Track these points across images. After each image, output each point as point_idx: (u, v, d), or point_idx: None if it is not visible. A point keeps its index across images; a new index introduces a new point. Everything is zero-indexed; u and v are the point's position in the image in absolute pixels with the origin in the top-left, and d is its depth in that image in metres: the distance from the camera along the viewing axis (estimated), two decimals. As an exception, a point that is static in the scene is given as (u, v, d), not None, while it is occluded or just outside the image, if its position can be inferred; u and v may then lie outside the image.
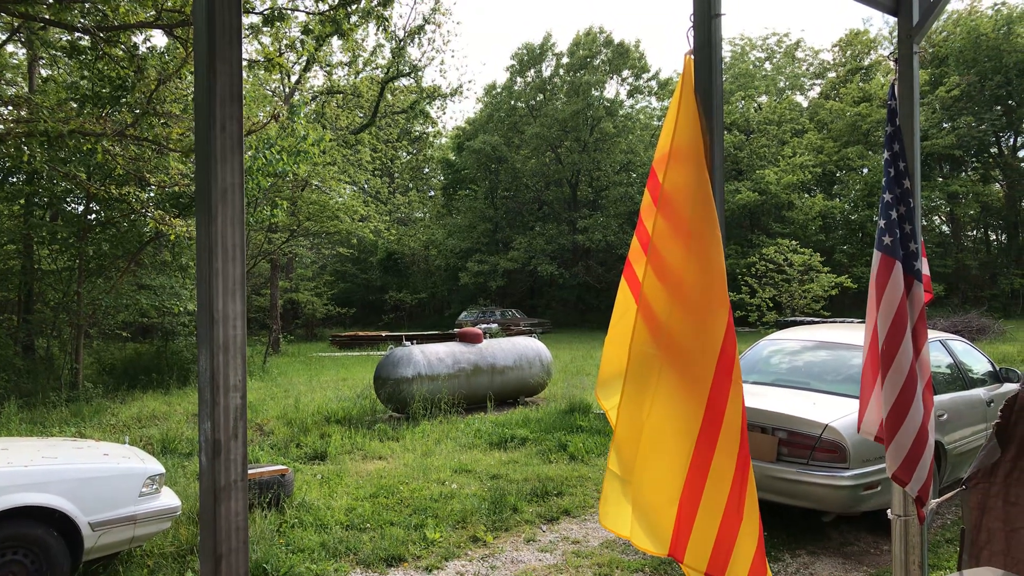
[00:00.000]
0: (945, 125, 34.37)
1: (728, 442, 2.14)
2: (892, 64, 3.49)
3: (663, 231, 2.30)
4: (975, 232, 39.42)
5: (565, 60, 42.44)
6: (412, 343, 12.63)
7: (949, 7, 35.48)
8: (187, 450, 9.49)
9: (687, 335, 2.24)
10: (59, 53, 13.41)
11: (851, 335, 7.61)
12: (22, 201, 15.95)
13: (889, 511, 3.60)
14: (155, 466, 5.53)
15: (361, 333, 31.17)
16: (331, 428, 10.71)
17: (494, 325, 31.79)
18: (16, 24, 11.38)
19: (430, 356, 12.06)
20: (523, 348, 13.51)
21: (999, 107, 34.15)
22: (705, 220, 2.21)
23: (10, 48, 16.08)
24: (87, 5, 9.59)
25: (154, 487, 5.38)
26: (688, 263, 2.23)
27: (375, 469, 8.55)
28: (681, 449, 2.22)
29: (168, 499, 5.53)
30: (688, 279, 2.23)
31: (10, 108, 11.54)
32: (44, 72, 16.02)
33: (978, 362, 7.80)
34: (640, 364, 2.34)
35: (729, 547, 2.13)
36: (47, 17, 9.58)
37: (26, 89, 15.83)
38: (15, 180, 15.68)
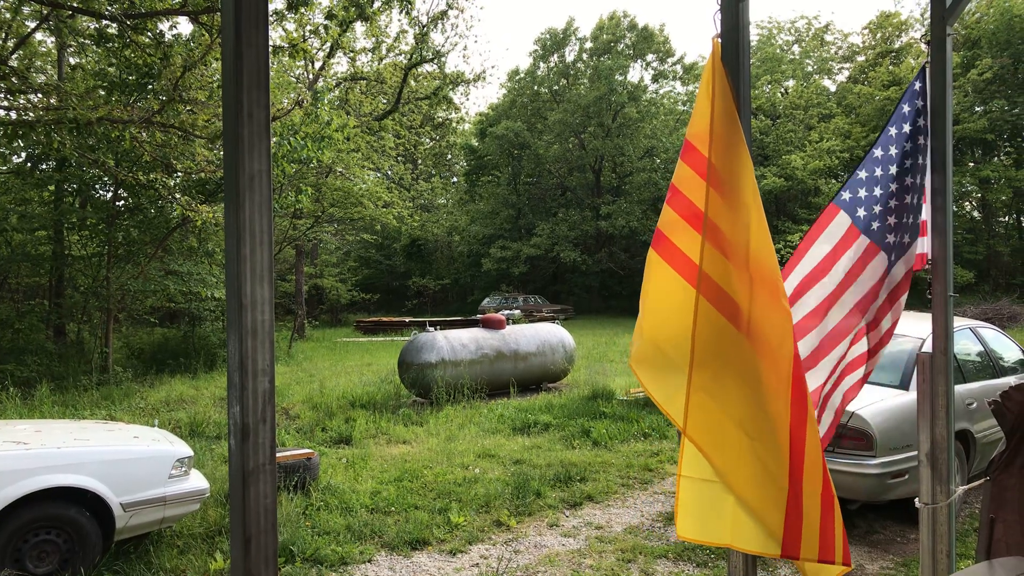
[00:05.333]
0: (977, 109, 33.65)
1: (813, 421, 2.09)
2: (924, 47, 3.42)
3: (720, 209, 2.19)
4: (1007, 218, 38.57)
5: (588, 45, 42.11)
6: (436, 329, 12.68)
7: (983, -12, 34.68)
8: (215, 433, 9.62)
9: (769, 315, 2.12)
10: (87, 41, 13.55)
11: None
12: (52, 188, 16.22)
13: (917, 499, 3.56)
14: (184, 449, 5.62)
15: (385, 319, 31.35)
16: (356, 412, 10.80)
17: (517, 311, 31.81)
18: (45, 12, 11.50)
19: (453, 342, 12.11)
20: (546, 334, 13.51)
21: (1033, 90, 33.36)
22: (753, 211, 2.17)
23: (39, 36, 16.29)
24: (114, -7, 9.68)
25: (183, 469, 5.47)
26: (750, 244, 2.16)
27: (399, 453, 8.62)
28: (779, 436, 2.10)
29: (197, 481, 5.62)
30: (754, 258, 2.15)
31: (40, 96, 11.68)
32: (72, 60, 16.21)
33: (1009, 350, 7.67)
34: (714, 350, 2.17)
35: (832, 527, 2.09)
36: (75, 5, 9.67)
37: (55, 77, 16.02)
38: (45, 167, 15.96)
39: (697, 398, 2.20)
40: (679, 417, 2.25)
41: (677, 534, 2.34)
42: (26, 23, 13.70)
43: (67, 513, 4.85)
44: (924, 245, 3.40)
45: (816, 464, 2.09)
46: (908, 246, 3.28)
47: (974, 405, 6.48)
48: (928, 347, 3.51)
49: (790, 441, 2.09)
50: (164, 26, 10.60)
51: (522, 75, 44.25)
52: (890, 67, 38.20)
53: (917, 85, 3.36)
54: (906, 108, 3.33)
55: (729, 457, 2.19)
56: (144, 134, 11.74)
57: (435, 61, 28.41)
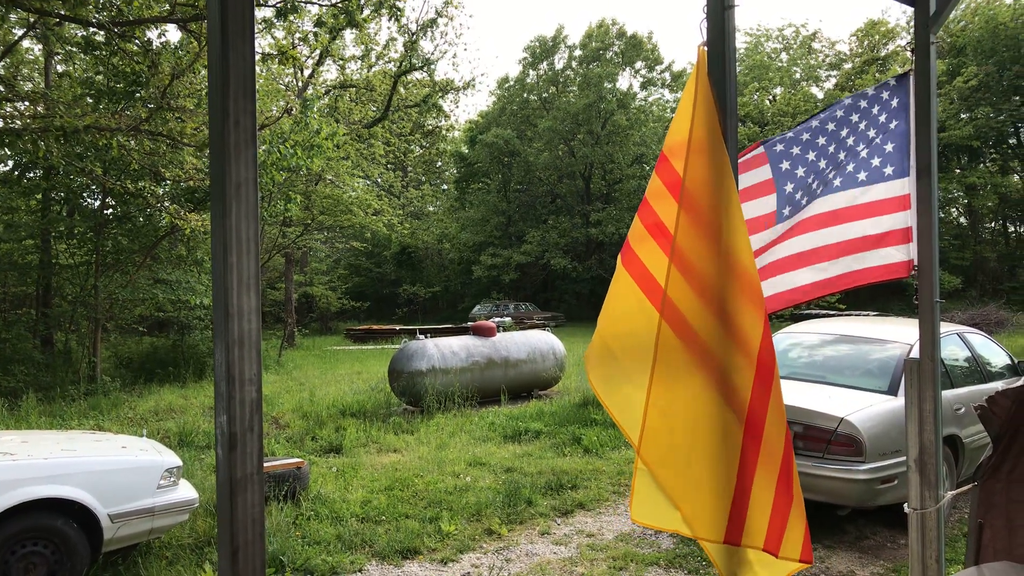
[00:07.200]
0: (963, 116, 33.93)
1: (772, 436, 2.14)
2: (909, 54, 3.45)
3: (687, 229, 2.24)
4: (993, 224, 38.93)
5: (578, 53, 42.31)
6: (426, 336, 12.66)
7: (967, -4, 35.04)
8: (204, 443, 9.56)
9: (723, 343, 2.20)
10: (74, 48, 13.50)
11: (868, 328, 7.56)
12: (39, 196, 16.12)
13: (906, 505, 3.57)
14: (172, 459, 5.58)
15: (375, 327, 31.24)
16: (346, 421, 10.76)
17: (507, 319, 31.77)
18: (32, 20, 11.45)
19: (444, 349, 12.09)
20: (536, 342, 13.50)
21: (1017, 97, 33.64)
22: (732, 218, 2.18)
23: (26, 44, 16.22)
24: (102, 0, 9.64)
25: (172, 480, 5.43)
26: (716, 265, 2.19)
27: (390, 462, 8.59)
28: (731, 444, 2.20)
29: (185, 491, 5.58)
30: (717, 282, 2.19)
31: (27, 104, 11.61)
32: (60, 68, 16.15)
33: (996, 355, 7.72)
34: (672, 372, 2.28)
35: (782, 522, 2.17)
36: (63, 12, 9.63)
37: (42, 84, 15.95)
38: (32, 175, 15.87)
39: (655, 399, 2.31)
40: (634, 432, 2.39)
41: (631, 518, 2.48)
42: (13, 31, 13.64)
43: (54, 524, 4.81)
44: (910, 251, 3.42)
45: (771, 473, 2.16)
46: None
47: (962, 410, 6.52)
48: (916, 353, 3.53)
49: (741, 450, 2.19)
50: (152, 34, 10.58)
51: (512, 83, 44.39)
52: (877, 74, 38.48)
53: (892, 82, 3.45)
54: (871, 91, 3.46)
55: (681, 454, 2.30)
56: (132, 142, 11.69)
57: (425, 69, 28.46)
